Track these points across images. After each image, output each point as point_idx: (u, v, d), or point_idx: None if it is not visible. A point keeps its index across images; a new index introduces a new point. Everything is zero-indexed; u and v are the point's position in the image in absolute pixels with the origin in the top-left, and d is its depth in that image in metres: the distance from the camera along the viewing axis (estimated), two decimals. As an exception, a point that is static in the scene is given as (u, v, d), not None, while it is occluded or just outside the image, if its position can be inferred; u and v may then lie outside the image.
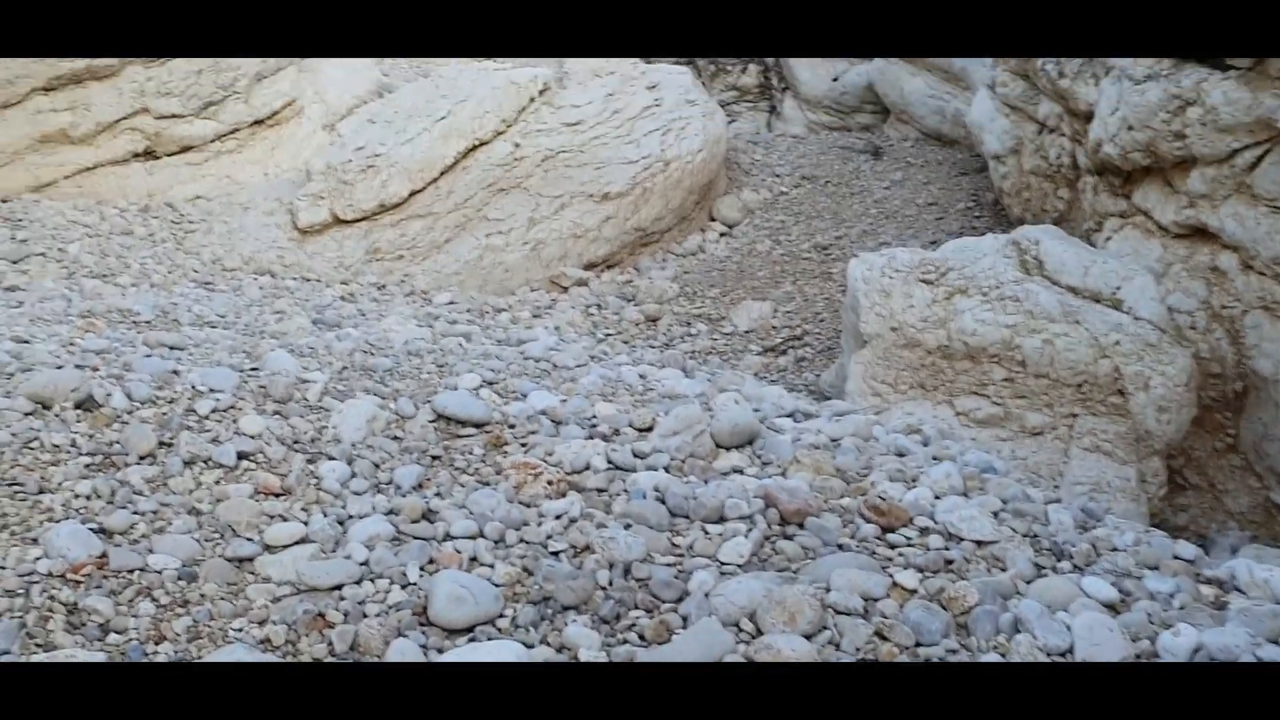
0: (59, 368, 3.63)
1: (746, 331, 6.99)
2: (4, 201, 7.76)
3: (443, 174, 8.47)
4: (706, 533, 3.19)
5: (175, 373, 3.75)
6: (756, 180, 9.56)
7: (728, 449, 3.79)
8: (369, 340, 4.51)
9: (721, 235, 8.87)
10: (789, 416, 4.25)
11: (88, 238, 7.25)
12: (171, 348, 4.15)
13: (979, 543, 3.30)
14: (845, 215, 8.73)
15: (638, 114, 9.20)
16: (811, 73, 11.32)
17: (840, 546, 3.23)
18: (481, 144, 8.72)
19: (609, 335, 6.95)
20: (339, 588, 2.83)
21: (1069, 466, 5.12)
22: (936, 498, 3.55)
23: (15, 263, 6.55)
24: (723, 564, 3.06)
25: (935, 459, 4.01)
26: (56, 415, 3.37)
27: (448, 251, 8.20)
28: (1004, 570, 3.20)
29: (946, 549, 3.25)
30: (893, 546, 3.25)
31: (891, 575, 3.07)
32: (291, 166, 10.18)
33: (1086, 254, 5.67)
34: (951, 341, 5.22)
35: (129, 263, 6.84)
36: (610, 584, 2.93)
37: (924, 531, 3.33)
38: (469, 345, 4.88)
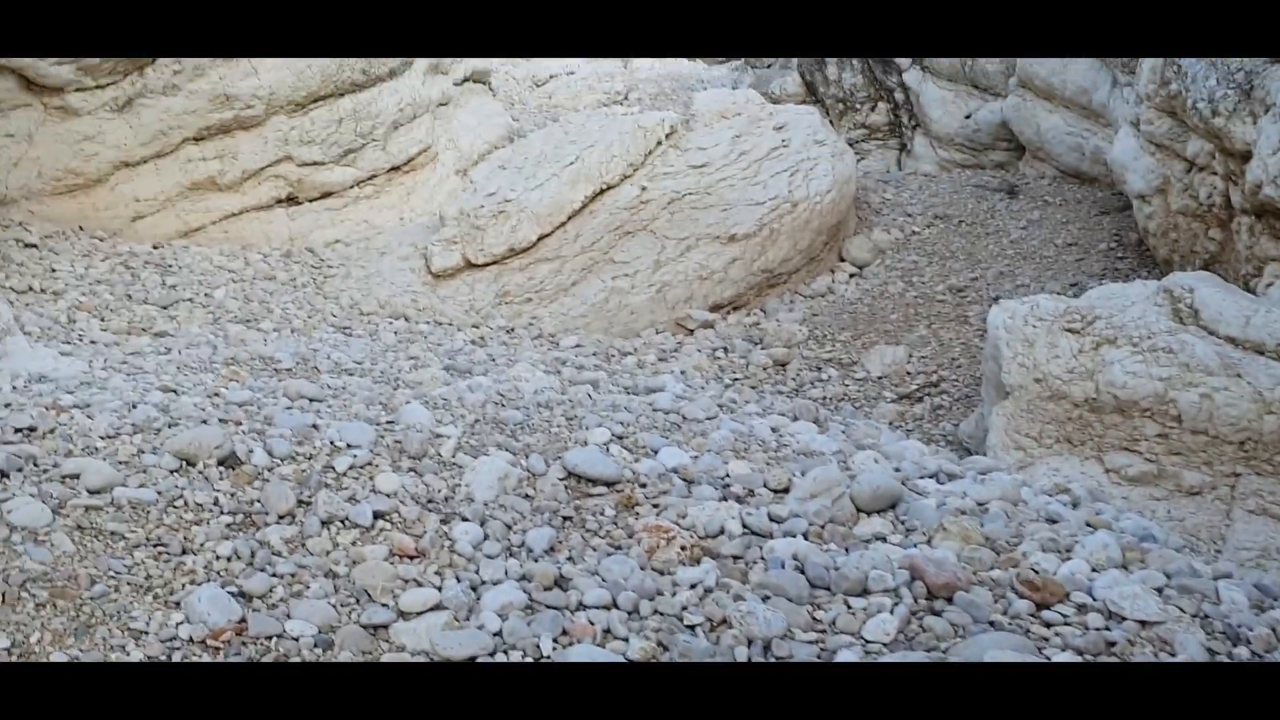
0: (204, 422, 3.69)
1: (879, 377, 6.77)
2: (156, 248, 8.07)
3: (570, 218, 8.50)
4: (849, 607, 3.02)
5: (315, 427, 3.77)
6: (887, 220, 9.33)
7: (869, 514, 3.61)
8: (499, 390, 4.49)
9: (851, 276, 8.65)
10: (932, 477, 4.04)
11: (233, 282, 7.48)
12: (311, 399, 4.19)
13: (1143, 623, 3.05)
14: (981, 256, 8.43)
15: (765, 155, 9.09)
16: (943, 110, 11.04)
17: (992, 624, 3.02)
18: (609, 187, 8.73)
19: (736, 380, 6.81)
20: (472, 659, 2.76)
21: (1232, 530, 4.76)
22: (1094, 571, 3.31)
23: (165, 308, 6.77)
24: (867, 642, 2.89)
25: (1089, 526, 3.76)
26: (200, 472, 3.41)
27: (574, 294, 8.20)
28: (1172, 655, 2.94)
29: (1107, 629, 3.01)
30: (1048, 625, 3.03)
31: (1048, 657, 2.85)
32: (425, 210, 10.38)
33: (1247, 302, 5.30)
34: (1100, 394, 4.93)
35: (271, 307, 7.01)
36: (749, 662, 2.79)
37: (1082, 609, 3.09)
38: (597, 395, 4.81)
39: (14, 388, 4.33)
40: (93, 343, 5.80)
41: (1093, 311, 5.15)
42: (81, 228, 8.20)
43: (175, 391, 4.42)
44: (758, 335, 7.62)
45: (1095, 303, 5.28)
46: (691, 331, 7.96)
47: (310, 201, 9.77)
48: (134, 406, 3.84)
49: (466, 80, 11.87)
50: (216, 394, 4.29)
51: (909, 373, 6.76)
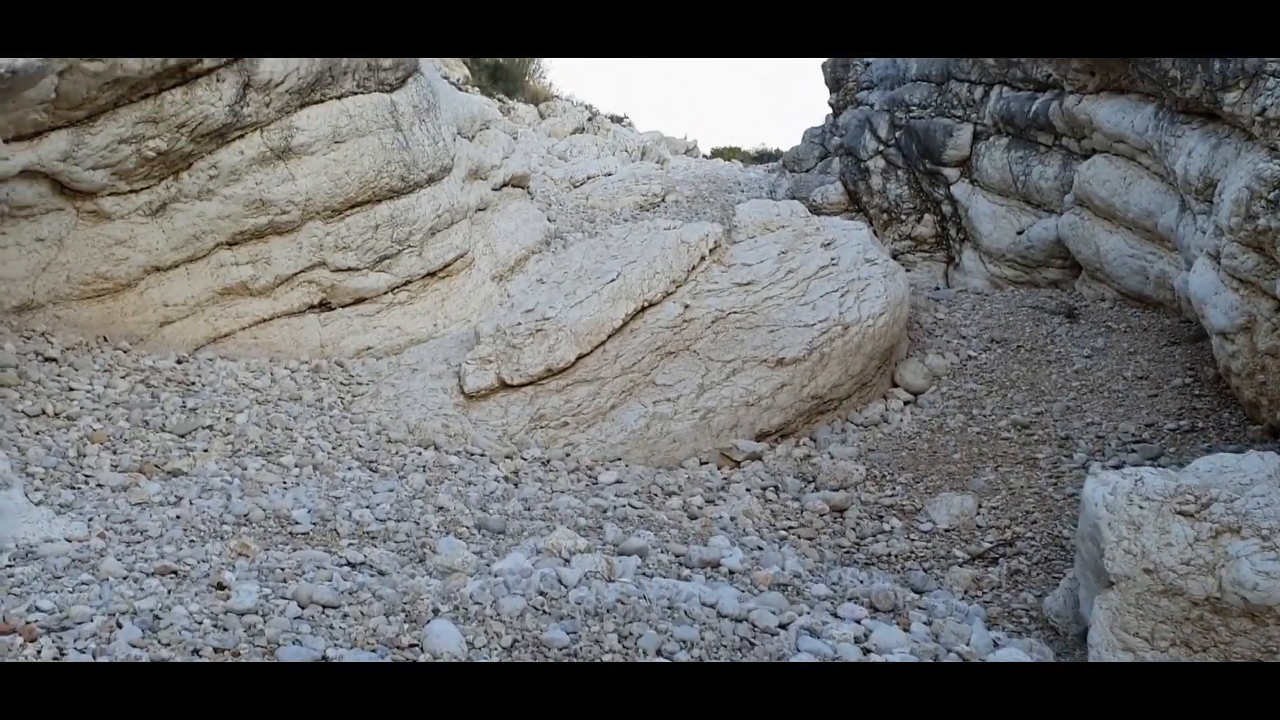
0: (195, 653, 3.01)
1: (947, 530, 6.03)
2: (180, 362, 7.49)
3: (610, 337, 7.88)
4: None
5: (325, 657, 3.08)
6: (941, 342, 8.65)
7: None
8: (540, 589, 3.77)
9: (906, 404, 7.96)
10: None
11: (256, 404, 6.86)
12: (325, 607, 3.50)
13: None
14: (1043, 387, 7.72)
15: (813, 274, 8.47)
16: (993, 224, 10.39)
17: None
18: (650, 305, 8.12)
19: (790, 529, 6.09)
20: None
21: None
22: None
23: (183, 437, 6.14)
24: None
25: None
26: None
27: (613, 419, 7.54)
28: None
29: None
30: None
31: None
32: (460, 317, 9.82)
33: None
34: (1224, 594, 4.19)
35: (295, 436, 6.37)
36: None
37: None
38: (649, 586, 4.08)
39: (-5, 568, 3.70)
40: (99, 486, 5.16)
41: (1208, 492, 4.42)
42: (105, 338, 7.65)
43: (175, 574, 3.77)
44: (810, 472, 6.91)
45: (1208, 479, 4.56)
46: (738, 463, 7.27)
47: (343, 307, 9.24)
48: (118, 625, 3.16)
49: (505, 185, 11.39)
50: (219, 587, 3.62)
51: (979, 526, 6.02)
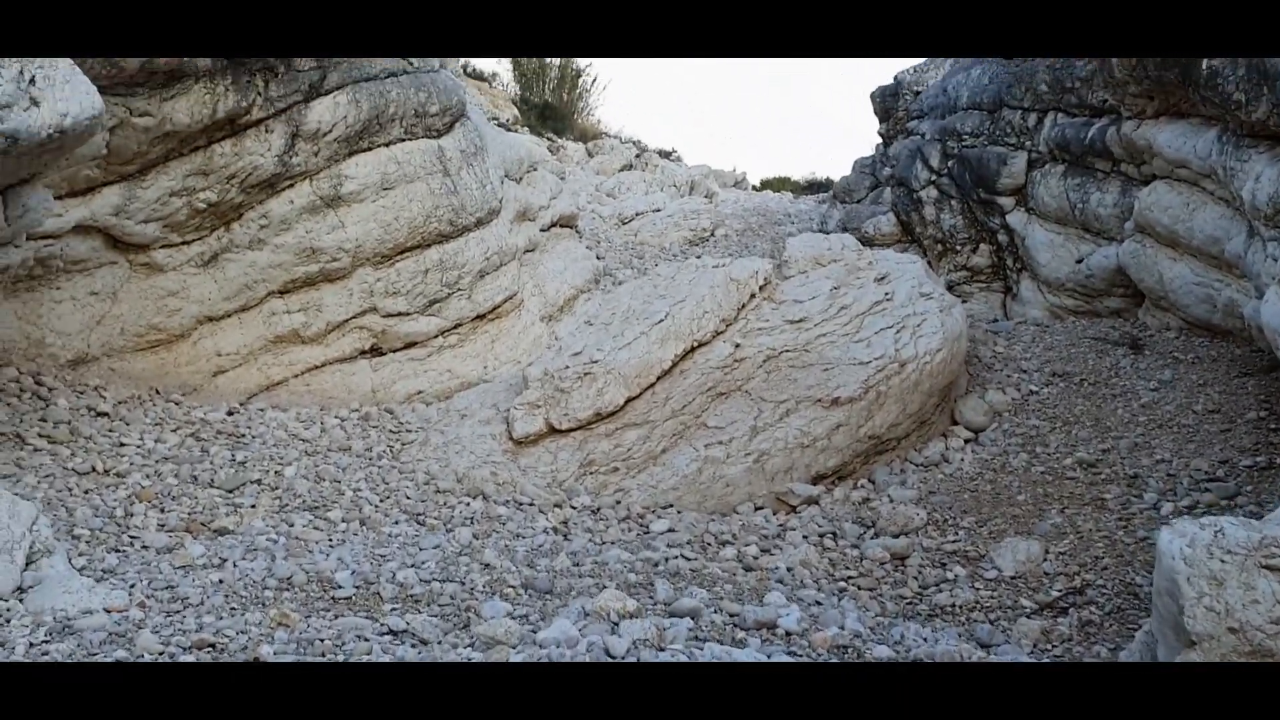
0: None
1: (1013, 577, 5.74)
2: (230, 414, 7.47)
3: (660, 379, 7.71)
4: None
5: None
6: (1001, 377, 8.35)
7: None
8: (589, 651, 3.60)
9: (966, 443, 7.67)
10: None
11: (305, 456, 6.79)
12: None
13: None
14: (1109, 422, 7.39)
15: (867, 310, 8.24)
16: (1051, 254, 10.06)
17: None
18: (700, 345, 7.95)
19: (850, 579, 5.84)
20: None
21: None
22: None
23: (230, 492, 6.08)
24: None
25: None
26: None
27: (664, 464, 7.35)
28: None
29: None
30: None
31: None
32: (510, 359, 9.73)
33: None
34: (1319, 655, 3.89)
35: (342, 489, 6.28)
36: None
37: None
38: (701, 654, 3.88)
39: (30, 644, 3.62)
40: (144, 548, 5.09)
41: (1294, 543, 4.13)
42: (158, 391, 7.66)
43: (213, 647, 3.66)
44: (869, 517, 6.66)
45: (1294, 529, 4.25)
46: (794, 508, 7.04)
47: (394, 352, 9.21)
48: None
49: (554, 225, 11.32)
50: (261, 644, 3.50)
51: (1046, 573, 5.73)
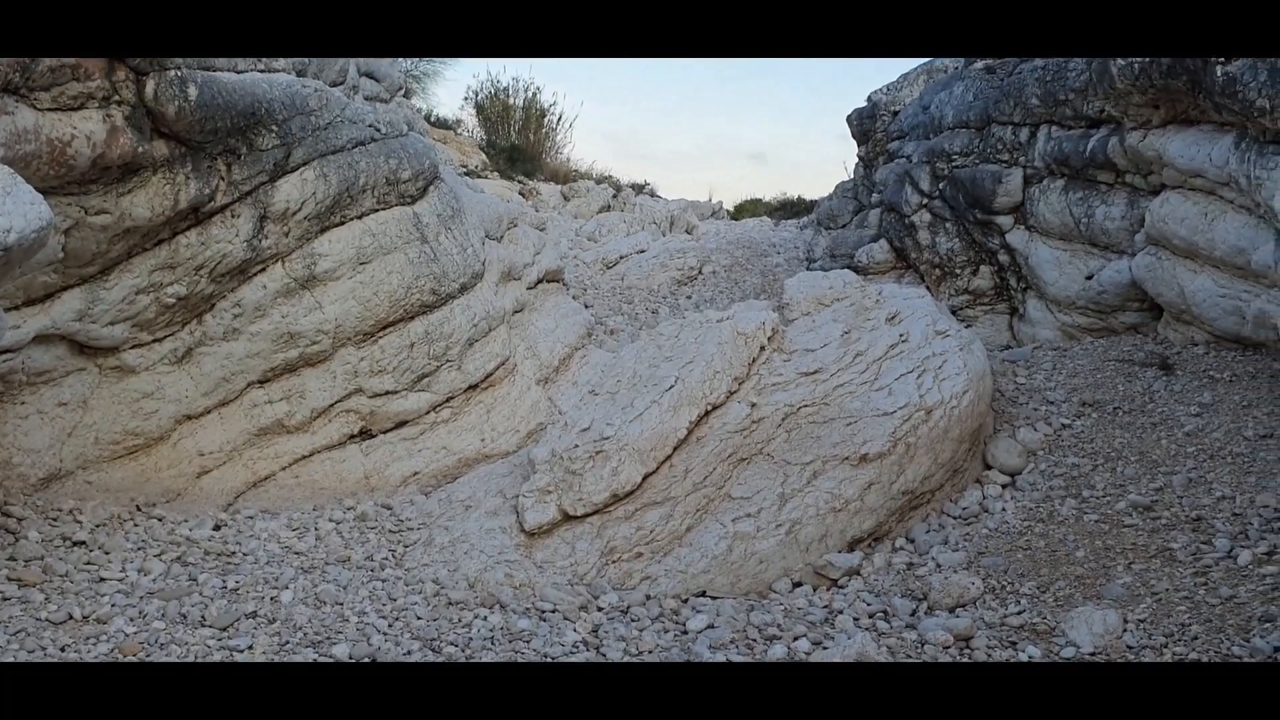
0: None
1: (1093, 654, 5.07)
2: (217, 529, 6.70)
3: (676, 449, 7.02)
4: None
5: None
6: (1028, 410, 7.70)
7: None
8: None
9: (1004, 488, 7.02)
10: None
11: (302, 574, 6.04)
12: None
13: None
14: (1155, 455, 6.75)
15: (883, 354, 7.59)
16: (1058, 271, 9.43)
17: None
18: (714, 408, 7.27)
19: (913, 668, 5.15)
20: None
21: None
22: None
23: (224, 631, 5.32)
24: None
25: None
26: None
27: (690, 543, 6.64)
28: None
29: None
30: None
31: None
32: (508, 427, 9.01)
33: None
34: None
35: (346, 614, 5.53)
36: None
37: None
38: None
39: None
40: (129, 723, 4.32)
41: None
42: (139, 507, 6.88)
43: None
44: (919, 588, 5.98)
45: None
46: (835, 581, 6.35)
47: (384, 433, 8.46)
48: None
49: (540, 281, 10.61)
50: None
51: (1129, 646, 5.06)
